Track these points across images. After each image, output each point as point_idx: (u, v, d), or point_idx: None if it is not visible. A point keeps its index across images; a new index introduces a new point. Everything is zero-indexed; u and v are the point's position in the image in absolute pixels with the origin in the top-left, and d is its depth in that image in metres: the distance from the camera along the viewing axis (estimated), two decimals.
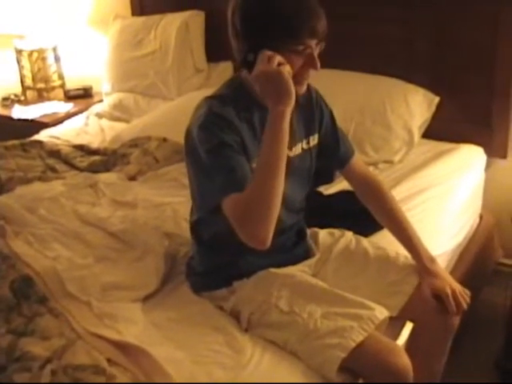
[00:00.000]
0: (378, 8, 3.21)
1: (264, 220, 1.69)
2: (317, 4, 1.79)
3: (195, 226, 2.07)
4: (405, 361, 1.80)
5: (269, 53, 1.74)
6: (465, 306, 1.97)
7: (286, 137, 1.73)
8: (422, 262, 2.04)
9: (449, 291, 1.96)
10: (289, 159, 1.81)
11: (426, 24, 3.13)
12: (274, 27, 1.75)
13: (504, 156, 3.14)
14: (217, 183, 1.76)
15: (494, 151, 3.13)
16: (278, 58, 1.74)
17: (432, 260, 2.06)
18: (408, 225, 2.12)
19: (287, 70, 1.75)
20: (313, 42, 1.79)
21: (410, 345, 1.98)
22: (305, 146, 2.02)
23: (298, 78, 1.81)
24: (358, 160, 2.21)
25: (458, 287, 2.00)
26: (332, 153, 2.14)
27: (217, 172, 1.76)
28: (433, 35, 3.13)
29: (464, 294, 1.99)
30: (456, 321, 2.01)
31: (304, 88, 1.88)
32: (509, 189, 3.13)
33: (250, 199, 1.69)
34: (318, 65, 1.81)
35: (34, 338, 1.85)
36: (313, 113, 2.05)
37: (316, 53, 1.81)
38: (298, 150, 1.99)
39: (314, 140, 2.06)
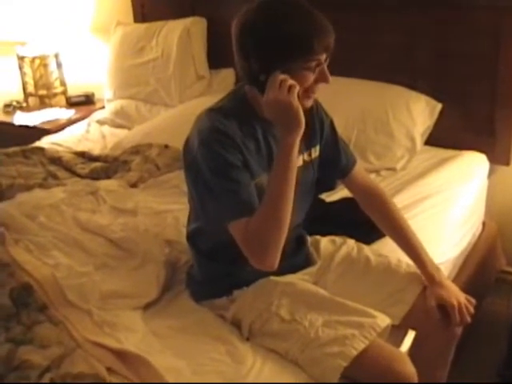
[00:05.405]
0: (379, 16, 3.21)
1: (273, 246, 1.74)
2: (324, 18, 1.77)
3: (193, 235, 2.06)
4: (409, 368, 1.79)
5: (281, 76, 1.73)
6: (469, 319, 1.95)
7: (295, 165, 1.76)
8: (427, 272, 2.02)
9: (455, 303, 1.94)
10: None
11: (428, 33, 3.12)
12: (289, 48, 1.73)
13: (507, 163, 3.13)
14: (223, 206, 1.78)
15: (497, 158, 3.12)
16: (290, 82, 1.73)
17: (437, 269, 2.05)
18: (412, 234, 2.10)
19: (297, 91, 1.74)
20: (324, 57, 1.78)
21: (412, 354, 1.96)
22: (306, 158, 2.00)
23: (307, 93, 1.81)
24: (359, 169, 2.19)
25: (463, 298, 1.97)
26: (333, 164, 2.13)
27: (223, 195, 1.77)
28: (434, 44, 3.12)
29: (469, 306, 1.97)
30: (458, 330, 2.00)
31: (311, 101, 1.86)
32: None
33: (260, 226, 1.73)
34: (330, 78, 1.81)
35: (32, 346, 1.83)
36: (314, 124, 2.03)
37: (325, 65, 1.80)
38: (299, 162, 1.95)
39: (316, 152, 2.04)
